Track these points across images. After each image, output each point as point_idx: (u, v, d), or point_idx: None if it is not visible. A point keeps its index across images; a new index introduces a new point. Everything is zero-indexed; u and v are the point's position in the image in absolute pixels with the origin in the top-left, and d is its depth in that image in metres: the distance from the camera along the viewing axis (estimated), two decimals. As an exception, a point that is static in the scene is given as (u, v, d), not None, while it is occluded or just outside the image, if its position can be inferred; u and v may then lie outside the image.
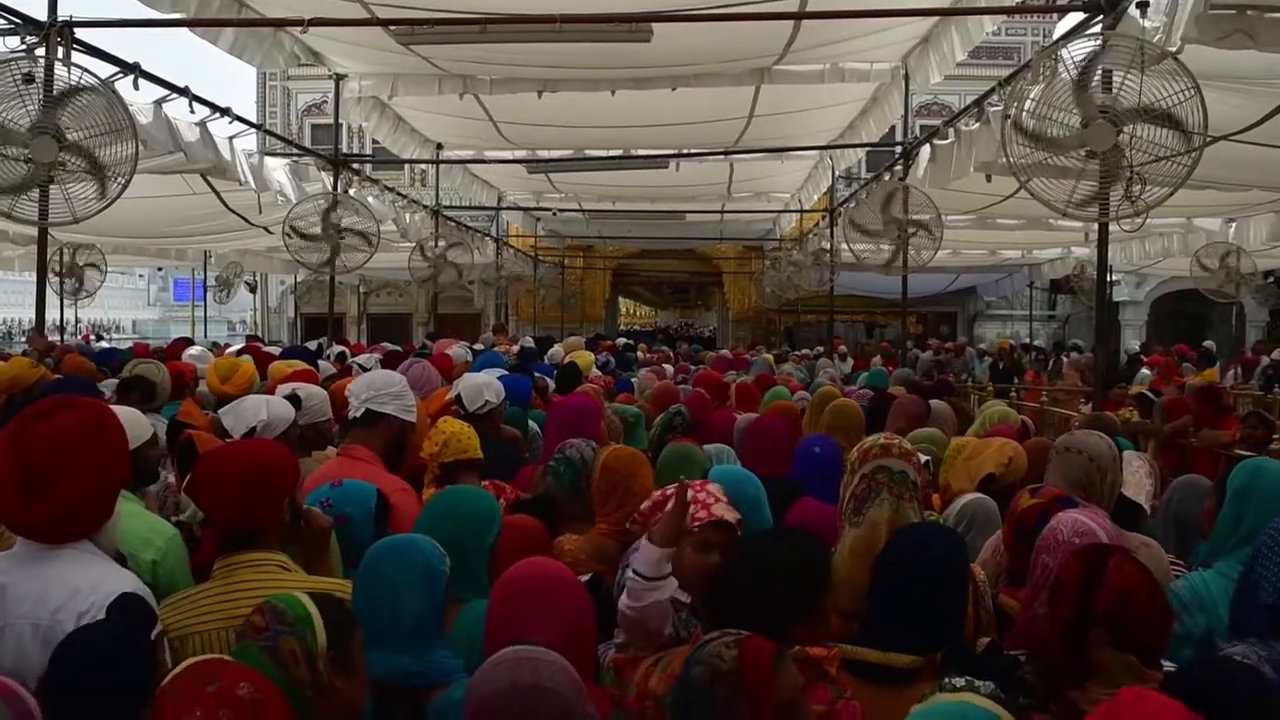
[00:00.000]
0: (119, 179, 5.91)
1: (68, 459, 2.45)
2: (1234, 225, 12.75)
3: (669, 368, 10.93)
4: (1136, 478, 3.92)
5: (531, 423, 6.24)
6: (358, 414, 4.08)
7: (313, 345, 11.31)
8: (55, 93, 5.73)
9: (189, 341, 11.91)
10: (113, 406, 3.60)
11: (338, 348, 11.19)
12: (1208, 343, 20.97)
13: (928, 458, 4.71)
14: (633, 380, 9.94)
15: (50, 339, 8.66)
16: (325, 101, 22.22)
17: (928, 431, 5.52)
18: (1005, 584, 3.38)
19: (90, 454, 2.48)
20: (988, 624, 3.03)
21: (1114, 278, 18.28)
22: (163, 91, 7.44)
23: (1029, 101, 5.35)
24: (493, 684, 2.01)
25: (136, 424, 3.61)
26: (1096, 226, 6.05)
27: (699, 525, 2.87)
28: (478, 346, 12.85)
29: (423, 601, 2.55)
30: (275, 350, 9.84)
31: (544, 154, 14.92)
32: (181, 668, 1.92)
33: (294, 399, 4.47)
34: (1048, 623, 2.58)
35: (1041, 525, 3.12)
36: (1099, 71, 5.22)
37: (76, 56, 6.14)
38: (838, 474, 3.50)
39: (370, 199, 11.45)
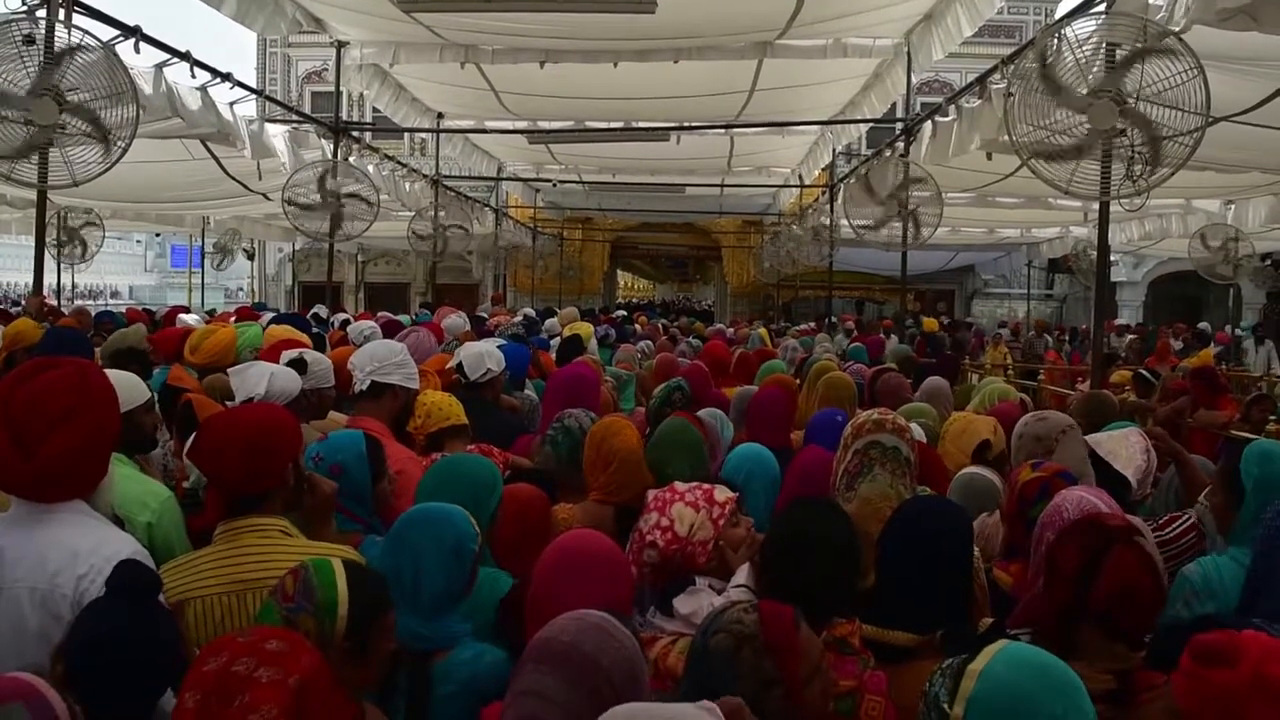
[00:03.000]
0: (119, 142, 5.90)
1: (52, 415, 2.43)
2: (1233, 207, 12.73)
3: (650, 344, 10.85)
4: (1130, 452, 3.93)
5: (531, 393, 6.26)
6: (363, 387, 4.08)
7: (322, 313, 11.30)
8: (55, 51, 5.70)
9: (185, 309, 11.92)
10: (109, 371, 3.61)
11: (341, 316, 11.20)
12: (1203, 324, 21.01)
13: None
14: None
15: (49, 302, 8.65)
16: (325, 69, 22.13)
17: (914, 407, 5.52)
18: (1000, 557, 3.38)
19: (74, 410, 2.46)
20: (982, 601, 3.01)
21: (1112, 258, 18.26)
22: (163, 56, 7.40)
23: (1034, 80, 5.35)
24: (558, 632, 1.98)
25: (133, 388, 3.60)
26: (1096, 206, 6.05)
27: (726, 520, 2.90)
28: (479, 315, 12.88)
29: (447, 579, 2.56)
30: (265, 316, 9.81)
31: (545, 125, 14.86)
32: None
33: (300, 363, 4.46)
34: (1043, 605, 2.58)
35: (1042, 498, 3.13)
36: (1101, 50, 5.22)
37: (77, 19, 6.10)
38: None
39: (369, 168, 11.41)
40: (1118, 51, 5.14)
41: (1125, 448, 3.88)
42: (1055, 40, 5.34)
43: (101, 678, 1.94)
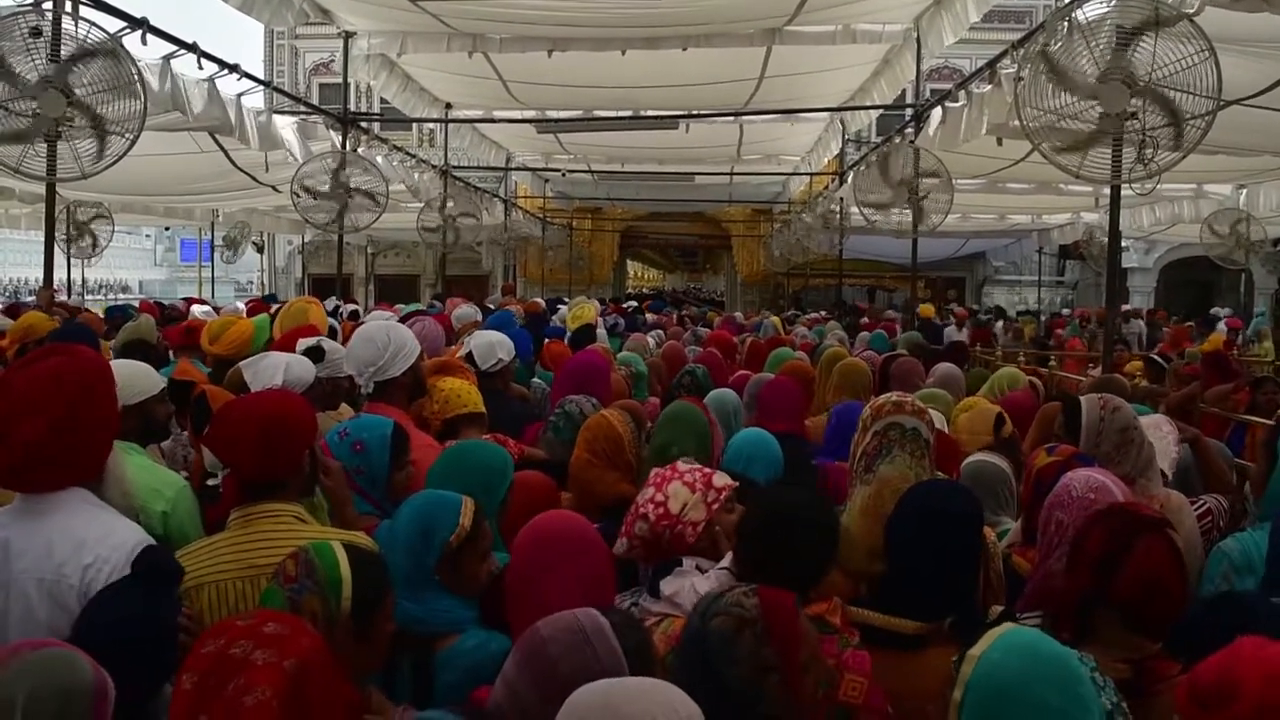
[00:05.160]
0: (126, 135, 5.91)
1: (28, 404, 2.41)
2: (1244, 191, 12.68)
3: (653, 338, 10.81)
4: (1164, 445, 3.86)
5: (540, 381, 6.26)
6: (369, 390, 4.09)
7: (329, 305, 11.29)
8: (64, 55, 5.71)
9: (198, 300, 11.93)
10: (122, 361, 3.61)
11: (351, 307, 11.20)
12: (1214, 310, 20.90)
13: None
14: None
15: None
16: (333, 61, 22.14)
17: (928, 393, 5.51)
18: (1020, 543, 3.35)
19: (50, 397, 2.43)
20: (998, 588, 2.97)
21: (1123, 244, 18.19)
22: (170, 47, 7.39)
23: (1043, 62, 5.32)
24: (546, 625, 1.98)
25: (145, 378, 3.61)
26: (1107, 191, 6.02)
27: (720, 505, 2.89)
28: (489, 306, 12.87)
29: (410, 556, 2.55)
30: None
31: (553, 114, 14.85)
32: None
33: (317, 350, 4.45)
34: (1062, 587, 2.54)
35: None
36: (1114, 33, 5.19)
37: (84, 11, 6.10)
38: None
39: (378, 159, 11.40)
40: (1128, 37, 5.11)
41: (1158, 439, 3.82)
42: (1065, 24, 5.30)
43: (114, 661, 1.94)
